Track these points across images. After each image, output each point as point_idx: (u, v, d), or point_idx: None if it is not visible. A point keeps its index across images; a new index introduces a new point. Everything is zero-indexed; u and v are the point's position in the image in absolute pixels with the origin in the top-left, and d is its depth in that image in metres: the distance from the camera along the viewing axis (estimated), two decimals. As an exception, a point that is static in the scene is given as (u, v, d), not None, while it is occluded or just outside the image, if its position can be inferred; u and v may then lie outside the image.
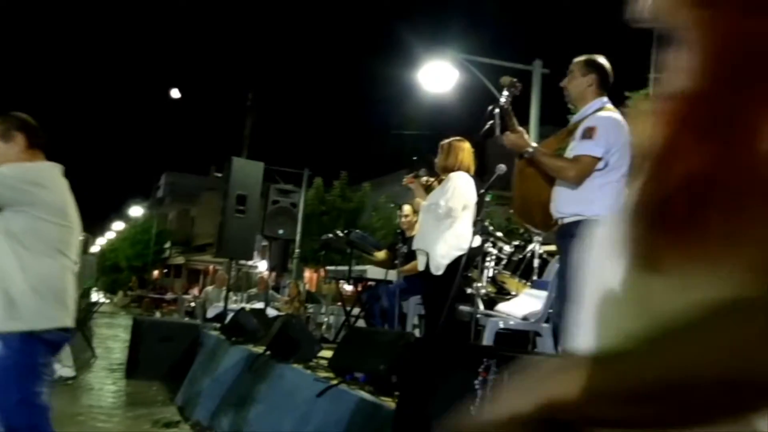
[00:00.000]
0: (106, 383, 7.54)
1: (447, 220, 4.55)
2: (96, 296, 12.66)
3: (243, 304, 9.52)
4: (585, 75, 3.65)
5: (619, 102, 3.68)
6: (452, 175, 4.71)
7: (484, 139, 4.40)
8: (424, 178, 5.28)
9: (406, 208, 5.97)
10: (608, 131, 3.46)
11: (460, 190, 4.62)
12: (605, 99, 3.67)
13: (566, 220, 3.54)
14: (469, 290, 4.74)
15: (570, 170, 3.48)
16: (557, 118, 10.76)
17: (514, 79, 3.58)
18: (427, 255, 4.55)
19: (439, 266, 4.52)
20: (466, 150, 4.79)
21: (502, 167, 4.09)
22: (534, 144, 3.60)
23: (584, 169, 3.46)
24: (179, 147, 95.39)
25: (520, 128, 3.67)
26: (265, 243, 11.65)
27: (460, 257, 4.35)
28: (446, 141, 4.87)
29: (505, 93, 3.61)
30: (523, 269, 4.80)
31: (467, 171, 4.78)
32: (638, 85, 11.61)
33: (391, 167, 31.26)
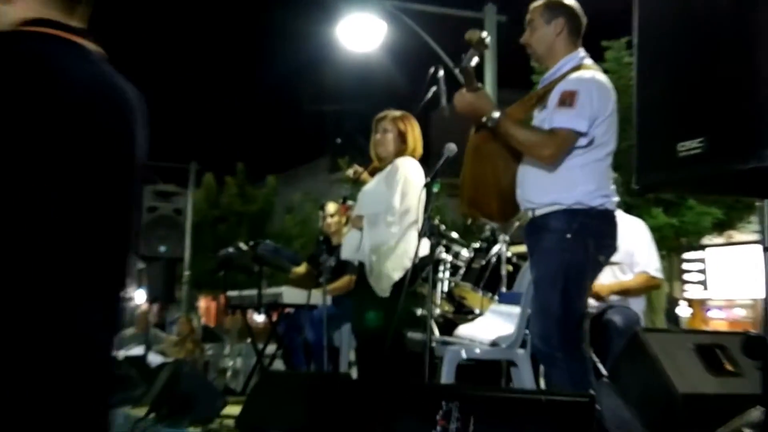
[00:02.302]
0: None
1: (404, 226, 4.59)
2: None
3: (115, 351, 9.37)
4: (550, 22, 3.63)
5: (596, 55, 3.70)
6: (399, 162, 4.72)
7: (426, 112, 4.48)
8: (351, 171, 5.29)
9: (331, 207, 5.96)
10: (592, 97, 3.45)
11: (414, 183, 4.62)
12: (582, 52, 3.66)
13: (539, 212, 3.53)
14: (419, 311, 4.73)
15: (546, 147, 3.46)
16: (518, 79, 10.94)
17: (484, 35, 3.53)
18: (369, 269, 4.58)
19: (389, 286, 4.54)
20: (416, 127, 4.85)
21: (452, 147, 4.03)
22: (500, 109, 3.56)
23: (563, 146, 3.45)
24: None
25: (481, 86, 3.62)
26: (141, 265, 11.38)
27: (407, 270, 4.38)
28: (391, 115, 4.89)
29: (471, 52, 3.53)
30: (488, 279, 4.80)
31: (412, 155, 4.81)
32: (618, 32, 11.95)
33: (305, 155, 30.98)
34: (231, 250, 6.34)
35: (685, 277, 17.11)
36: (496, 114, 3.50)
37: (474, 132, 3.69)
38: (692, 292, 17.17)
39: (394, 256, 4.60)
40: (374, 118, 4.96)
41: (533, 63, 3.98)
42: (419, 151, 4.89)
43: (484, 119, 3.54)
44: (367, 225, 4.76)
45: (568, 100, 3.43)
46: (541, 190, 3.52)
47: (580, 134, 3.43)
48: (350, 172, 5.31)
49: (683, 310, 15.62)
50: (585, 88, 3.46)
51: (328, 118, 29.05)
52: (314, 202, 21.22)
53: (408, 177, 4.67)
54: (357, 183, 5.16)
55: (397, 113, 4.92)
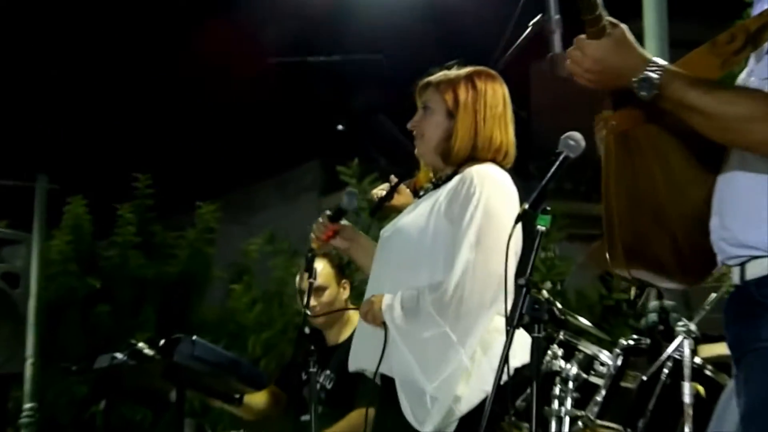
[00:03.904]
0: None
1: (482, 306, 3.93)
2: None
3: None
4: None
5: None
6: (472, 175, 3.89)
7: (522, 67, 4.29)
8: (381, 188, 4.47)
9: (321, 268, 5.15)
10: None
11: (502, 219, 3.84)
12: None
13: (755, 270, 2.89)
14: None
15: (764, 123, 2.94)
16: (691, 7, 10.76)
17: None
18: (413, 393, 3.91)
19: (449, 426, 3.88)
20: (499, 97, 4.00)
21: (574, 140, 3.38)
22: (660, 61, 3.01)
23: None
24: None
25: (614, 23, 2.99)
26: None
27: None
28: (439, 78, 4.05)
29: None
30: (655, 412, 4.22)
31: (493, 155, 3.96)
32: None
33: (273, 158, 27.62)
34: (120, 356, 5.30)
35: None
36: (655, 74, 2.96)
37: (612, 110, 3.18)
38: None
39: (475, 372, 3.96)
40: (415, 85, 4.13)
41: None
42: (506, 143, 4.04)
43: (640, 84, 2.95)
44: (406, 322, 3.96)
45: None
46: (759, 218, 2.94)
47: None
48: (377, 191, 4.55)
49: None
50: None
51: (319, 80, 25.93)
52: (290, 255, 16.73)
53: (492, 207, 3.88)
54: (382, 209, 4.50)
55: (452, 75, 4.04)
